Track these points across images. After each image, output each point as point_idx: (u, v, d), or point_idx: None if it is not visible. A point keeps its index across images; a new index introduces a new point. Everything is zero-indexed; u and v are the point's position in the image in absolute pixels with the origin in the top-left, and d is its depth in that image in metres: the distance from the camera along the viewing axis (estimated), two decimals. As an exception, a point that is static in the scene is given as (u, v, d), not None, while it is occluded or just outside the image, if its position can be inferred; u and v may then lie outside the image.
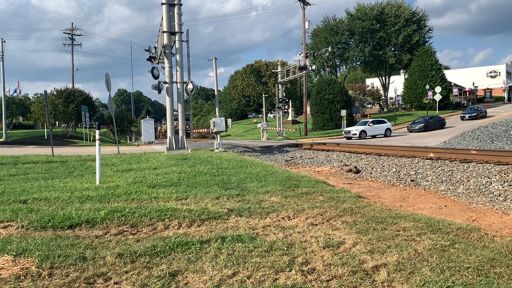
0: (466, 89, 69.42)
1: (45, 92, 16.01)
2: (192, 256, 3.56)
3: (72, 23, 53.44)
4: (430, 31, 59.08)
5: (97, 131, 8.02)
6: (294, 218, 5.01)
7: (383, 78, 62.05)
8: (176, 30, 16.12)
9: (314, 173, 10.64)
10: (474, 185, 7.60)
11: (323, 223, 4.77)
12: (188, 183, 7.38)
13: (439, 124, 33.49)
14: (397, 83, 61.03)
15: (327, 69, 60.49)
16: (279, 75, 36.77)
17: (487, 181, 7.66)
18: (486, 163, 9.57)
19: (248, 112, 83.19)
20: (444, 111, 48.45)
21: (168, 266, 3.32)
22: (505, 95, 72.55)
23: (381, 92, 61.14)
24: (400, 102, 59.98)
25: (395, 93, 56.71)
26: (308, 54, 35.62)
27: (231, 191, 6.54)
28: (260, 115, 75.29)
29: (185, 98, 17.32)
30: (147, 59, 17.47)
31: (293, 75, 33.95)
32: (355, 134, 29.53)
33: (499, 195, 6.71)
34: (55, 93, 37.27)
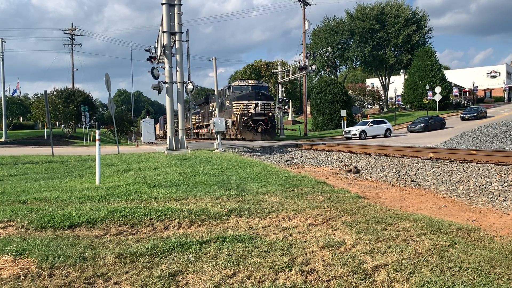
0: (466, 89, 69.46)
1: (45, 92, 16.01)
2: (192, 256, 3.56)
3: (72, 23, 53.48)
4: (430, 31, 59.16)
5: (97, 131, 8.02)
6: (294, 218, 5.01)
7: (383, 78, 62.07)
8: (176, 30, 16.12)
9: (314, 173, 10.64)
10: (474, 185, 7.60)
11: (323, 223, 4.77)
12: (188, 183, 7.38)
13: (439, 124, 33.51)
14: (397, 83, 61.04)
15: (327, 69, 60.52)
16: (279, 75, 36.77)
17: (487, 181, 7.66)
18: (486, 163, 9.57)
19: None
20: (444, 111, 48.47)
21: (168, 266, 3.32)
22: (505, 95, 72.56)
23: (381, 92, 61.16)
24: (400, 102, 60.00)
25: (395, 93, 56.72)
26: (308, 54, 35.63)
27: (231, 191, 6.54)
28: (260, 115, 75.04)
29: (185, 98, 17.31)
30: (147, 59, 17.49)
31: (293, 75, 33.95)
32: (355, 134, 29.54)
33: (499, 195, 6.71)
34: (55, 93, 37.29)
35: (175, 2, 16.03)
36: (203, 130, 39.28)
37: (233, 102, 27.22)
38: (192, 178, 8.02)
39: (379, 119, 33.46)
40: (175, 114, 17.68)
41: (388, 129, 30.90)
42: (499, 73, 73.67)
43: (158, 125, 66.48)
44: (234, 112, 27.04)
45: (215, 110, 32.59)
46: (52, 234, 4.22)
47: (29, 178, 8.34)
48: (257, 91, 26.73)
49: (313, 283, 3.03)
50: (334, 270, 3.24)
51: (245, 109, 26.21)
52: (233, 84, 29.20)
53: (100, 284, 3.04)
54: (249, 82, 28.84)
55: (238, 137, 27.51)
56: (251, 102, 26.08)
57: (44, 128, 35.84)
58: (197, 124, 43.00)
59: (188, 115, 43.68)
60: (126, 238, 4.18)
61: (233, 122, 27.88)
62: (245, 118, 25.79)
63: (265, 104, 26.91)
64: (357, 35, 56.25)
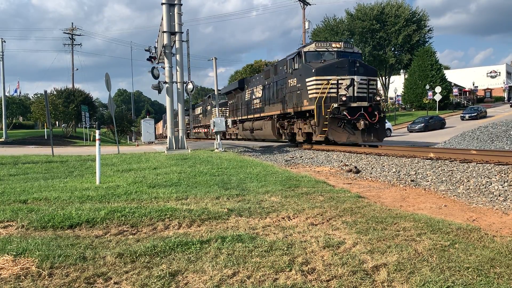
0: (466, 89, 69.51)
1: (45, 92, 16.02)
2: (192, 256, 3.56)
3: (72, 23, 53.65)
4: (430, 31, 59.22)
5: (97, 131, 8.03)
6: (294, 218, 5.01)
7: (383, 78, 62.11)
8: (176, 30, 16.12)
9: (314, 173, 10.63)
10: (474, 185, 7.59)
11: (323, 223, 4.77)
12: (188, 183, 7.38)
13: (439, 124, 33.57)
14: (397, 83, 61.08)
15: (327, 69, 60.45)
16: (280, 75, 36.43)
17: (487, 181, 7.65)
18: (486, 163, 9.56)
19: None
20: (444, 111, 48.50)
21: (168, 266, 3.32)
22: (505, 95, 72.58)
23: (381, 92, 61.18)
24: (400, 102, 60.05)
25: (395, 93, 56.79)
26: (308, 54, 35.51)
27: (231, 191, 6.54)
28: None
29: (185, 98, 17.31)
30: (147, 59, 17.48)
31: (293, 75, 33.72)
32: (355, 134, 29.47)
33: (499, 195, 6.71)
34: (55, 93, 37.38)
35: (175, 2, 16.02)
36: (233, 128, 29.13)
37: (307, 79, 16.32)
38: (192, 178, 8.02)
39: (379, 119, 33.45)
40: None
41: (388, 129, 30.93)
42: (499, 73, 73.68)
43: (160, 124, 65.63)
44: (310, 96, 16.09)
45: (256, 98, 23.13)
46: (52, 234, 4.22)
47: (29, 178, 8.34)
48: (351, 60, 15.96)
49: (313, 283, 3.03)
50: (334, 269, 3.24)
51: (333, 90, 15.56)
52: (306, 49, 17.25)
53: (100, 284, 3.04)
54: (333, 45, 17.32)
55: (318, 138, 16.42)
56: (343, 78, 15.56)
57: (44, 128, 35.86)
58: None
59: (209, 108, 35.16)
60: (126, 238, 4.18)
61: (301, 113, 17.40)
62: (334, 105, 15.26)
63: (368, 82, 16.04)
64: (357, 35, 56.32)
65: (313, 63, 16.67)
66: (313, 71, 15.96)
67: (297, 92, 17.36)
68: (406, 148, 14.43)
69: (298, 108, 17.41)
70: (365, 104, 15.58)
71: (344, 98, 15.28)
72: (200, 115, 39.76)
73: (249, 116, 24.53)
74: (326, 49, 17.18)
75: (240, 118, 26.77)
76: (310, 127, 16.68)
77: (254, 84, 24.30)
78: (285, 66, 19.13)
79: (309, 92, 16.24)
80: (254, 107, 23.65)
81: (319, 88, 15.65)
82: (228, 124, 18.89)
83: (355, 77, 15.59)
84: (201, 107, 39.79)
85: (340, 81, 15.64)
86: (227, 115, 31.60)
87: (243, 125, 26.08)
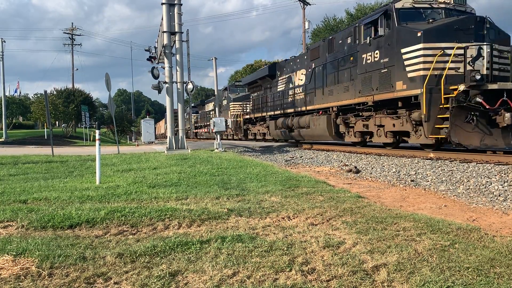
0: (466, 89, 69.34)
1: (45, 92, 16.03)
2: (192, 256, 3.56)
3: (72, 23, 53.79)
4: (430, 31, 59.12)
5: (97, 131, 8.03)
6: (294, 218, 5.01)
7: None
8: (176, 30, 16.13)
9: (314, 173, 10.64)
10: (474, 185, 7.60)
11: (323, 223, 4.77)
12: (188, 183, 7.38)
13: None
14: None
15: (327, 69, 60.38)
16: (280, 75, 36.25)
17: (487, 181, 7.66)
18: (486, 163, 9.57)
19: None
20: (444, 111, 48.42)
21: (168, 266, 3.32)
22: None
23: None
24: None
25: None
26: (308, 54, 35.40)
27: (231, 191, 6.54)
28: (260, 115, 74.63)
29: (185, 98, 17.32)
30: (147, 59, 17.53)
31: (293, 74, 33.53)
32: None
33: (499, 195, 6.71)
34: (55, 93, 37.45)
35: (175, 2, 16.03)
36: (259, 127, 24.77)
37: (405, 50, 11.11)
38: (192, 178, 8.02)
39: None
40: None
41: None
42: (499, 73, 73.59)
43: (162, 123, 65.30)
44: (411, 74, 10.93)
45: (297, 86, 18.26)
46: (52, 234, 4.23)
47: (29, 178, 8.34)
48: (479, 18, 10.81)
49: (313, 283, 3.03)
50: (334, 270, 3.24)
51: (453, 65, 10.36)
52: (399, 4, 11.68)
53: (100, 284, 3.04)
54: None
55: (422, 140, 11.53)
56: (474, 45, 10.31)
57: (44, 128, 35.87)
58: (246, 117, 26.51)
59: (225, 102, 30.44)
60: (126, 238, 4.18)
61: (387, 102, 12.35)
62: (460, 88, 9.97)
63: (504, 54, 10.94)
64: (357, 35, 56.21)
65: (412, 24, 11.31)
66: (419, 35, 10.62)
67: (381, 70, 12.12)
68: (406, 148, 14.43)
69: (382, 95, 12.07)
70: (510, 86, 10.22)
71: (478, 76, 9.99)
72: (212, 112, 35.04)
73: (286, 111, 19.45)
74: (429, 5, 11.79)
75: (273, 113, 21.23)
76: (409, 123, 11.55)
77: (292, 69, 18.86)
78: (350, 37, 13.93)
79: (408, 68, 10.99)
80: (296, 98, 18.41)
81: (429, 62, 10.43)
82: (228, 124, 18.84)
83: (485, 47, 10.30)
84: (213, 103, 35.03)
85: (467, 50, 10.32)
86: (248, 111, 26.53)
87: (276, 123, 20.86)
